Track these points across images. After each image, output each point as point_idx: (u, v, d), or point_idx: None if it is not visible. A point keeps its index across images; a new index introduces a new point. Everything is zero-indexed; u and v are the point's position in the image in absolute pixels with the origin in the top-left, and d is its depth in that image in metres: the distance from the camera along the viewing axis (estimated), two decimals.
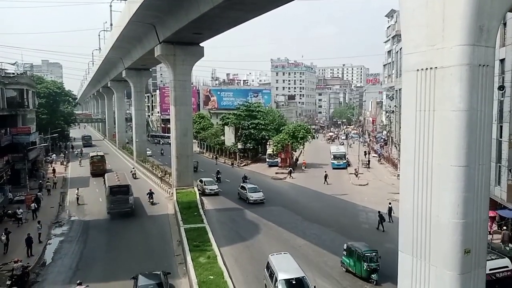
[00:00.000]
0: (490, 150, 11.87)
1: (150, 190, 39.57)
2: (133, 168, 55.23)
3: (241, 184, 41.03)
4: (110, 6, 59.13)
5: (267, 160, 59.69)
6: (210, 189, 41.53)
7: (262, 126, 65.01)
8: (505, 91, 24.74)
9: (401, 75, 13.09)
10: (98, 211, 36.14)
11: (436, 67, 11.37)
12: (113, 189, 34.63)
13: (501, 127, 25.71)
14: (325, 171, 49.42)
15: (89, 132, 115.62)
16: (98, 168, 52.64)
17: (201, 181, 42.95)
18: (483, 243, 12.04)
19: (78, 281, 19.62)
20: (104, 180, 40.74)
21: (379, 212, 30.50)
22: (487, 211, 12.15)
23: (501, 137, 25.78)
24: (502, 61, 25.38)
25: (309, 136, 63.65)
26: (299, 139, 61.29)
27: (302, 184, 47.14)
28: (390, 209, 31.21)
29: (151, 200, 38.26)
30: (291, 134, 60.72)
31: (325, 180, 46.78)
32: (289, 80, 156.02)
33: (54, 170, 51.54)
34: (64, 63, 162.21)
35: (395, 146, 62.70)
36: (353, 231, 29.22)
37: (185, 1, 29.36)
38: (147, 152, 66.85)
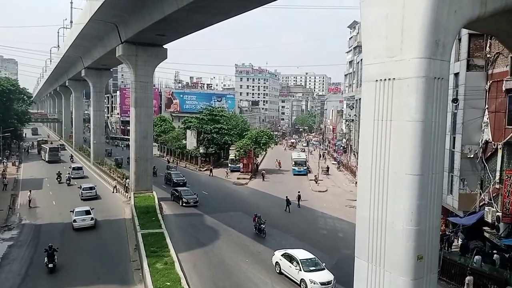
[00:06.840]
0: (443, 160, 12.31)
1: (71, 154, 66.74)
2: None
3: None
4: (71, 2, 57.60)
5: (229, 165, 59.42)
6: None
7: (225, 131, 64.80)
8: (458, 104, 25.91)
9: (361, 85, 13.37)
10: (51, 215, 34.66)
11: (394, 78, 11.68)
12: (51, 148, 68.01)
13: (454, 138, 26.85)
14: (263, 171, 56.94)
15: (44, 133, 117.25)
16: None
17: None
18: (435, 250, 12.44)
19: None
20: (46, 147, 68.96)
21: (286, 197, 37.38)
22: (439, 218, 12.57)
23: (453, 148, 26.90)
24: (456, 75, 26.56)
25: (272, 142, 64.05)
26: (261, 144, 61.84)
27: (263, 189, 47.29)
28: (299, 197, 39.01)
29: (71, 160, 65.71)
30: (254, 139, 61.07)
31: (263, 178, 53.83)
32: (253, 86, 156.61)
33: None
34: (20, 59, 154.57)
35: (354, 154, 64.18)
36: (312, 236, 29.71)
37: (149, 1, 28.85)
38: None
